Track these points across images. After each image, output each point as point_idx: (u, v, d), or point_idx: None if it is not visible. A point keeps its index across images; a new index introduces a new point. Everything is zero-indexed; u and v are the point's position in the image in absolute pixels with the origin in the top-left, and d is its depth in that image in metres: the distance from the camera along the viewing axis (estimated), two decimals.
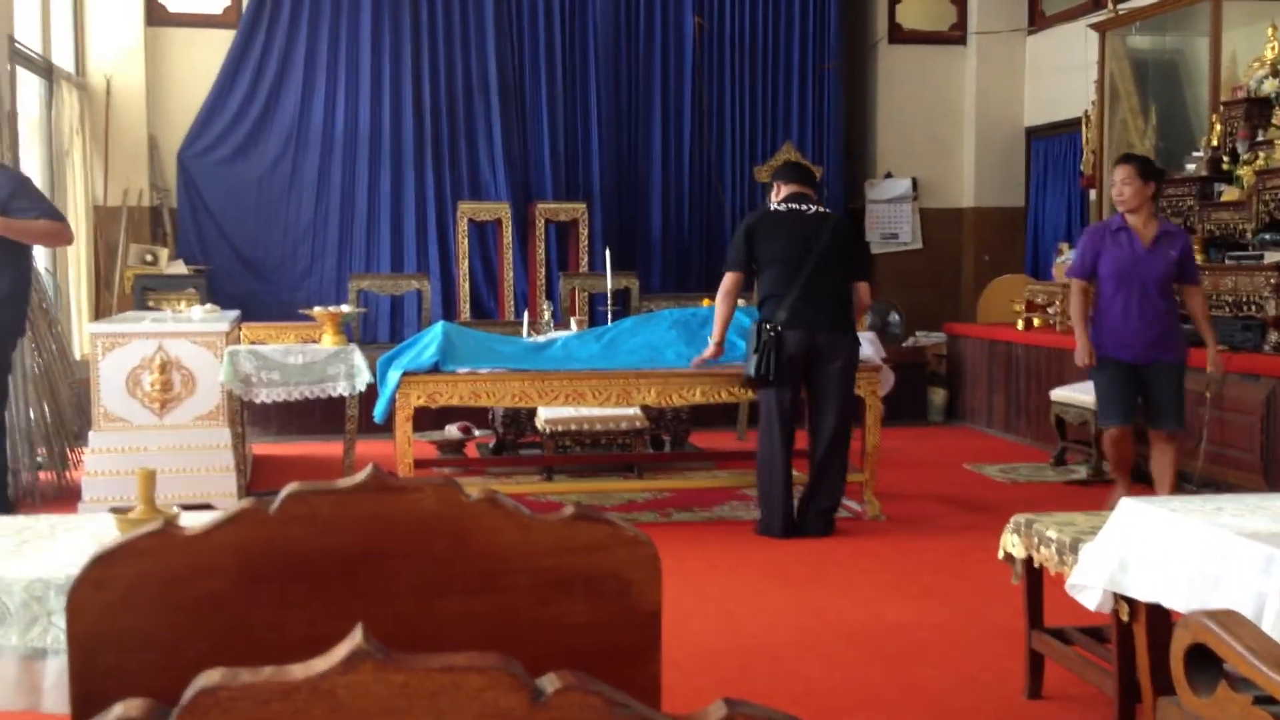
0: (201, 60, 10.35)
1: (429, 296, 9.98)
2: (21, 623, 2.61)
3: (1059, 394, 7.98)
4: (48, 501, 6.92)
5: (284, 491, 1.68)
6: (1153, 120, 9.14)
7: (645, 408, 7.41)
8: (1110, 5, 9.39)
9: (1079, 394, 7.77)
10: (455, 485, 1.73)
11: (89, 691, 1.66)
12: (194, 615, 1.65)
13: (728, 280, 6.38)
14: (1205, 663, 2.34)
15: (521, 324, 8.10)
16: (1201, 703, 2.34)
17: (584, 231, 10.49)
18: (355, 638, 1.02)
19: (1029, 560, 3.87)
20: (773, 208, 6.48)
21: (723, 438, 8.80)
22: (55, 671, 2.61)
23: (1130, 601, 3.31)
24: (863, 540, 6.26)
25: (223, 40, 10.39)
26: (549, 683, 1.04)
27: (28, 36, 8.61)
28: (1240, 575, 2.80)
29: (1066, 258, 9.62)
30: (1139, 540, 3.18)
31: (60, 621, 2.57)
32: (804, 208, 6.38)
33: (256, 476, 7.68)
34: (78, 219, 9.37)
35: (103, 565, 1.65)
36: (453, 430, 8.17)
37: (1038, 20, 11.33)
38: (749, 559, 5.91)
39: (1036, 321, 9.27)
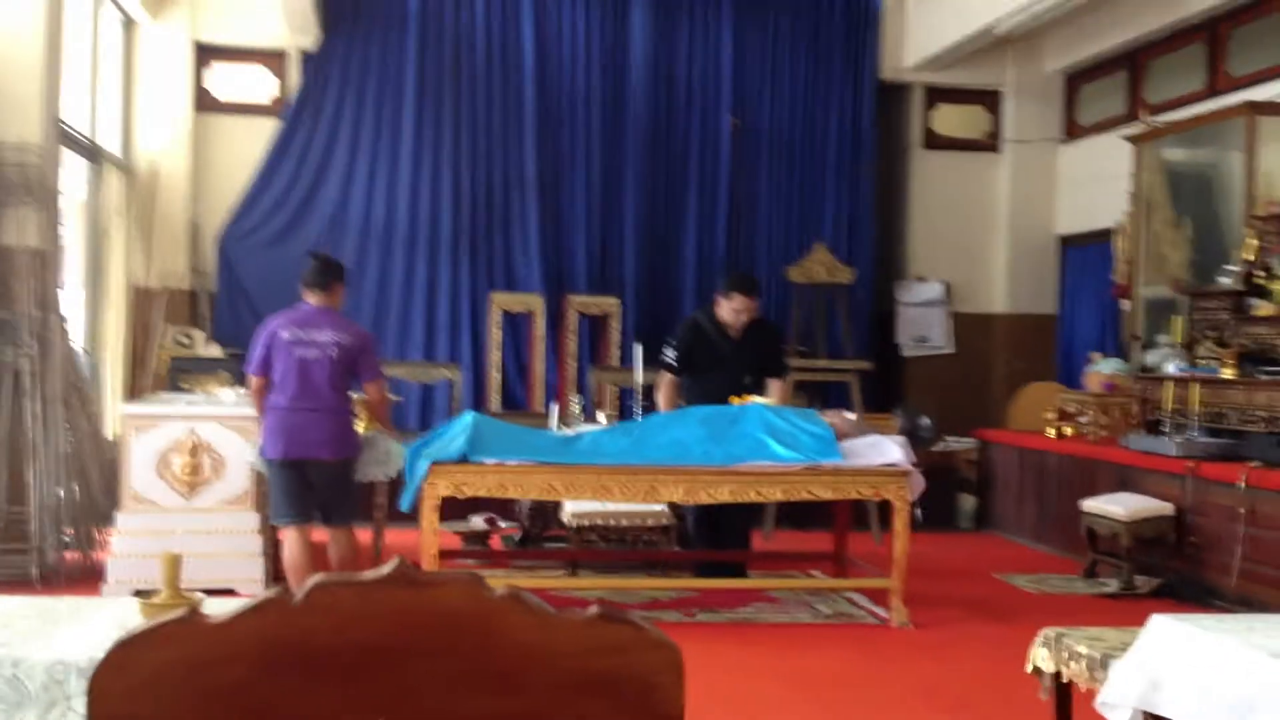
0: (246, 147, 10.52)
1: (460, 386, 10.01)
2: (41, 705, 2.60)
3: (1090, 505, 7.91)
4: (73, 581, 6.92)
5: (309, 582, 1.67)
6: (1187, 232, 9.15)
7: (673, 505, 7.37)
8: (1144, 118, 9.45)
9: (1111, 505, 7.70)
10: (480, 581, 1.72)
11: None
12: (216, 704, 1.64)
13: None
14: None
15: (550, 416, 8.10)
16: None
17: (616, 326, 10.53)
18: None
19: (1058, 675, 3.81)
20: None
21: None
22: None
23: None
24: (889, 648, 6.18)
25: (268, 128, 10.57)
26: None
27: (76, 119, 8.78)
28: (1275, 700, 2.74)
29: (1099, 366, 9.60)
30: (1171, 659, 3.13)
31: (79, 706, 2.55)
32: None
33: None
34: (116, 300, 9.49)
35: (125, 650, 1.64)
36: (478, 521, 8.15)
37: (1072, 130, 11.41)
38: (773, 663, 5.84)
39: (1068, 430, 9.22)
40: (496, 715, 1.66)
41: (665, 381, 7.42)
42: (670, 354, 7.38)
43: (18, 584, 6.67)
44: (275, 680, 1.65)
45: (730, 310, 7.28)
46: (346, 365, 6.05)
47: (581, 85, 10.89)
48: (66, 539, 7.22)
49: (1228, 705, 2.88)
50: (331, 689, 1.66)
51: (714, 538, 7.43)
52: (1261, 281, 7.77)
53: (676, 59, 11.08)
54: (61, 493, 7.19)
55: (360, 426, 6.89)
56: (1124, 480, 8.09)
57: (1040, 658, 3.88)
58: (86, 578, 6.95)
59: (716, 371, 7.28)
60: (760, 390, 7.27)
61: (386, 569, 1.68)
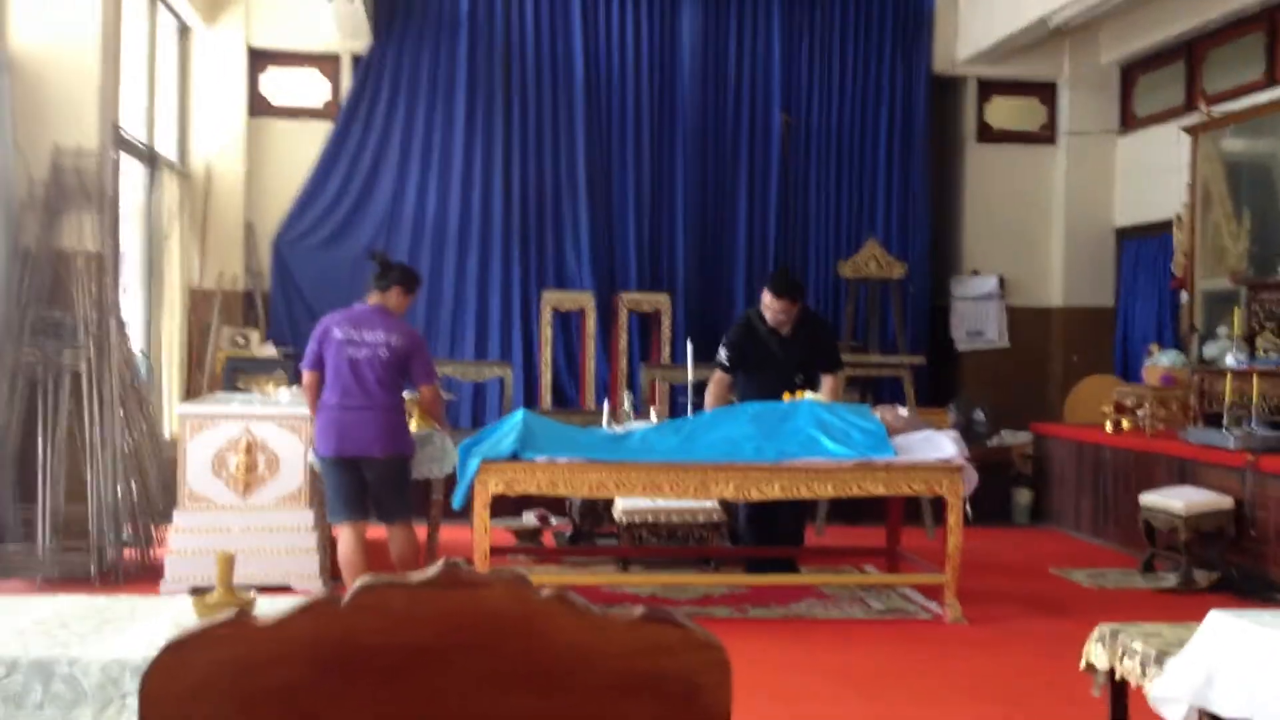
0: (300, 150, 10.61)
1: (511, 384, 10.05)
2: (97, 704, 2.64)
3: (1148, 499, 7.81)
4: (131, 578, 7.02)
5: (357, 583, 1.69)
6: (1246, 224, 9.02)
7: (724, 502, 7.36)
8: (1204, 108, 9.32)
9: (1169, 499, 7.60)
10: (526, 581, 1.73)
11: None
12: (264, 706, 1.66)
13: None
14: None
15: (601, 414, 8.11)
16: None
17: (666, 323, 10.53)
18: None
19: (1112, 672, 3.76)
20: None
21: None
22: None
23: (1216, 718, 3.20)
24: (943, 644, 6.14)
25: (321, 131, 10.66)
26: None
27: (133, 125, 8.90)
28: None
29: (1157, 359, 9.48)
30: (1227, 654, 3.09)
31: (134, 704, 2.59)
32: None
33: None
34: (173, 302, 9.61)
35: (176, 652, 1.67)
36: (530, 518, 8.18)
37: (1129, 122, 11.28)
38: (825, 660, 5.82)
39: (1125, 424, 9.11)
40: (541, 716, 1.67)
41: (716, 380, 7.43)
42: (722, 353, 7.39)
43: (78, 581, 6.78)
44: (323, 682, 1.67)
45: (766, 308, 7.28)
46: (397, 365, 6.09)
47: (631, 83, 10.90)
48: (125, 537, 7.32)
49: (1278, 701, 2.84)
50: (377, 691, 1.67)
51: (765, 534, 7.42)
52: None
53: (726, 55, 11.07)
54: (120, 492, 7.29)
55: (413, 425, 6.95)
56: (1183, 474, 7.99)
57: (1095, 654, 3.84)
58: (145, 575, 7.04)
59: (768, 369, 7.27)
60: (813, 386, 7.25)
61: (433, 570, 1.69)
